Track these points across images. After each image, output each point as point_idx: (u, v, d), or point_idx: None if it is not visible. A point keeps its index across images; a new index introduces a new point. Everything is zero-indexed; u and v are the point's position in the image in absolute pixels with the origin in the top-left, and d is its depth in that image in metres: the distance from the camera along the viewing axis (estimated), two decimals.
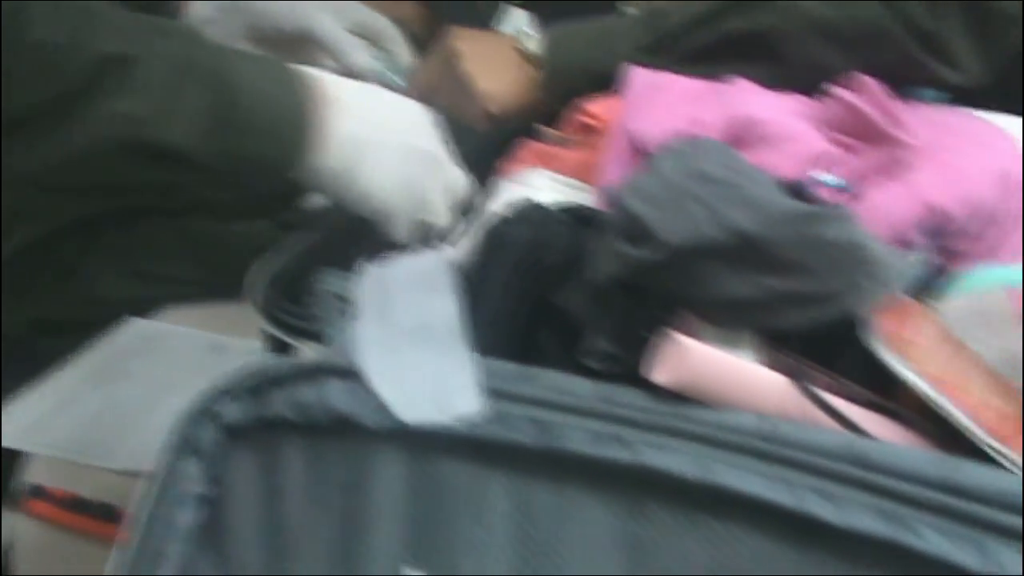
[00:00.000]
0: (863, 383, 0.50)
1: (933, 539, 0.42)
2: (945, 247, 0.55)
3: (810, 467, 0.44)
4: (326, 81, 0.57)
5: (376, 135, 0.56)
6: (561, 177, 0.65)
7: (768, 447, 0.45)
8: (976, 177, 0.55)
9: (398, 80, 0.85)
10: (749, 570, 0.45)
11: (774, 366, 0.49)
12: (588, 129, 0.68)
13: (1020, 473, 0.45)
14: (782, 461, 0.45)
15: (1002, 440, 0.47)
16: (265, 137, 0.54)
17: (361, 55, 0.82)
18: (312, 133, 0.54)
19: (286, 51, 0.81)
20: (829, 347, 0.51)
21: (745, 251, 0.47)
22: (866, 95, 0.59)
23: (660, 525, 0.46)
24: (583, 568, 0.48)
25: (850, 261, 0.48)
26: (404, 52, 0.87)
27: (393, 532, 0.50)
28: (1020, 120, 0.65)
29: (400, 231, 0.59)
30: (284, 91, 0.55)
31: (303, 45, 0.82)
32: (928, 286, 0.53)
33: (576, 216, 0.55)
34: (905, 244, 0.54)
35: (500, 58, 0.81)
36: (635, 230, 0.48)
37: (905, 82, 0.67)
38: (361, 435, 0.50)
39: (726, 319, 0.49)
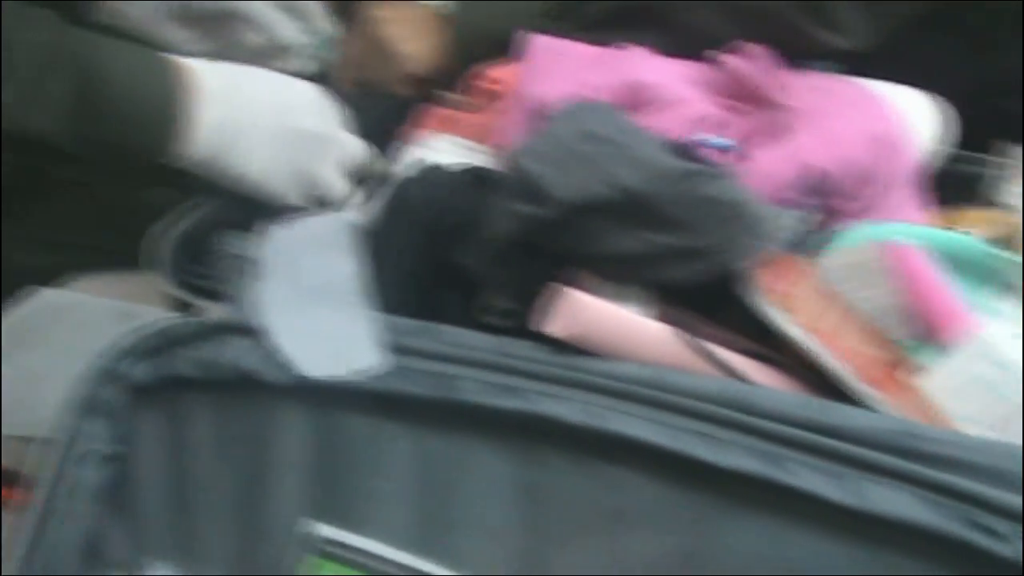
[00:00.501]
0: (747, 334, 0.53)
1: (804, 475, 0.45)
2: (824, 205, 0.58)
3: (693, 412, 0.47)
4: (198, 69, 0.57)
5: (249, 120, 0.57)
6: (463, 141, 0.66)
7: (654, 394, 0.47)
8: (853, 140, 0.58)
9: (324, 51, 0.85)
10: (638, 511, 0.47)
11: (661, 318, 0.51)
12: (490, 94, 0.69)
13: (887, 412, 0.49)
14: (667, 407, 0.47)
15: (872, 384, 0.50)
16: (131, 126, 0.54)
17: (287, 29, 0.82)
18: (179, 122, 0.55)
19: (212, 29, 0.80)
20: (715, 300, 0.53)
21: (632, 208, 0.49)
22: (752, 62, 0.62)
23: (554, 470, 0.49)
24: (482, 514, 0.50)
25: (730, 217, 0.50)
26: (328, 24, 0.87)
27: (296, 485, 0.52)
28: (903, 88, 0.69)
29: (293, 204, 0.60)
30: (152, 80, 0.55)
31: (229, 22, 0.81)
32: (807, 243, 0.56)
33: (476, 177, 0.57)
34: (786, 202, 0.56)
35: (420, 23, 0.81)
36: (529, 189, 0.50)
37: (795, 51, 0.70)
38: (264, 391, 0.51)
39: (616, 273, 0.52)
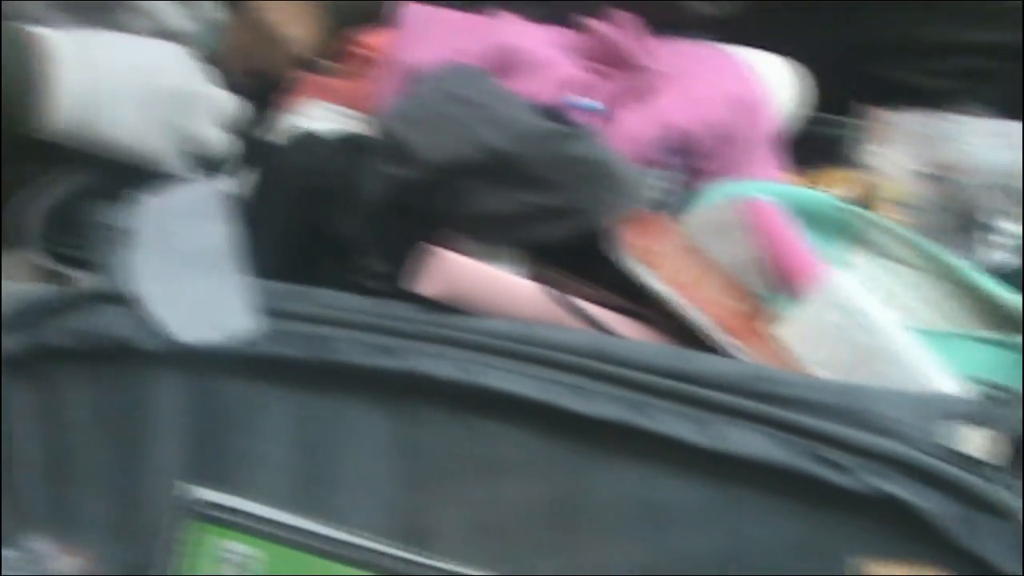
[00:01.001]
0: (614, 291, 0.55)
1: (667, 420, 0.47)
2: (687, 165, 0.60)
3: (561, 364, 0.49)
4: (53, 37, 0.56)
5: (112, 84, 0.56)
6: (338, 108, 0.67)
7: (524, 349, 0.49)
8: (713, 102, 0.61)
9: (212, 39, 0.83)
10: (510, 461, 0.49)
11: (532, 276, 0.53)
12: (365, 61, 0.70)
13: (743, 359, 0.51)
14: (537, 360, 0.49)
15: (731, 333, 0.52)
16: None
17: (173, 16, 0.81)
18: (38, 92, 0.54)
19: (96, 16, 0.78)
20: (584, 258, 0.55)
21: (499, 168, 0.50)
22: (619, 27, 0.64)
23: (430, 426, 0.50)
24: (361, 471, 0.51)
25: (595, 177, 0.52)
26: (215, 10, 0.86)
27: (174, 451, 0.52)
28: (765, 53, 0.72)
29: (169, 168, 0.60)
30: (9, 52, 0.54)
31: (113, 9, 0.79)
32: (671, 202, 0.59)
33: (349, 143, 0.57)
34: (651, 163, 0.59)
35: (301, 5, 0.81)
36: (397, 152, 0.51)
37: (662, 18, 0.72)
38: (139, 359, 0.51)
39: (486, 234, 0.53)
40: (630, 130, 0.58)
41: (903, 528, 0.44)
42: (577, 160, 0.51)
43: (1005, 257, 0.61)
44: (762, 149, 0.64)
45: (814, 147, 0.76)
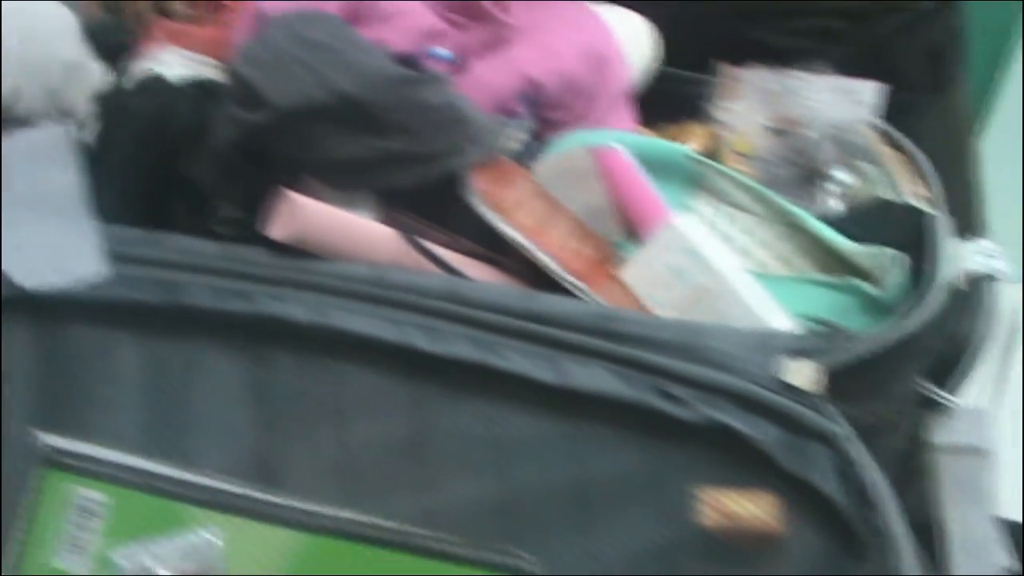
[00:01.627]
0: (468, 236, 0.56)
1: (515, 359, 0.49)
2: (542, 117, 0.61)
3: (413, 306, 0.50)
4: None
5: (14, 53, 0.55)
6: (191, 54, 0.66)
7: (377, 291, 0.50)
8: (569, 54, 0.62)
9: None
10: (362, 402, 0.50)
11: (386, 221, 0.54)
12: (220, 7, 0.69)
13: (592, 301, 0.53)
14: (389, 303, 0.50)
15: (580, 276, 0.54)
16: None
17: None
18: None
19: None
20: (438, 204, 0.56)
21: (350, 113, 0.51)
22: None
23: (283, 370, 0.50)
24: (214, 416, 0.51)
25: (448, 123, 0.53)
26: None
27: (23, 398, 0.51)
28: (621, 8, 0.73)
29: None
30: None
31: None
32: (525, 151, 0.60)
33: (198, 87, 0.57)
34: (507, 113, 0.60)
35: None
36: (245, 95, 0.51)
37: None
38: None
39: (340, 179, 0.53)
40: (485, 80, 0.59)
41: (736, 456, 0.47)
42: (429, 106, 0.52)
43: (838, 205, 0.64)
44: (615, 103, 0.66)
45: (668, 102, 0.78)
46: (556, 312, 0.50)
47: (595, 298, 0.54)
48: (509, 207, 0.55)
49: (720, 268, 0.53)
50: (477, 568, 0.47)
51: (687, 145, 0.74)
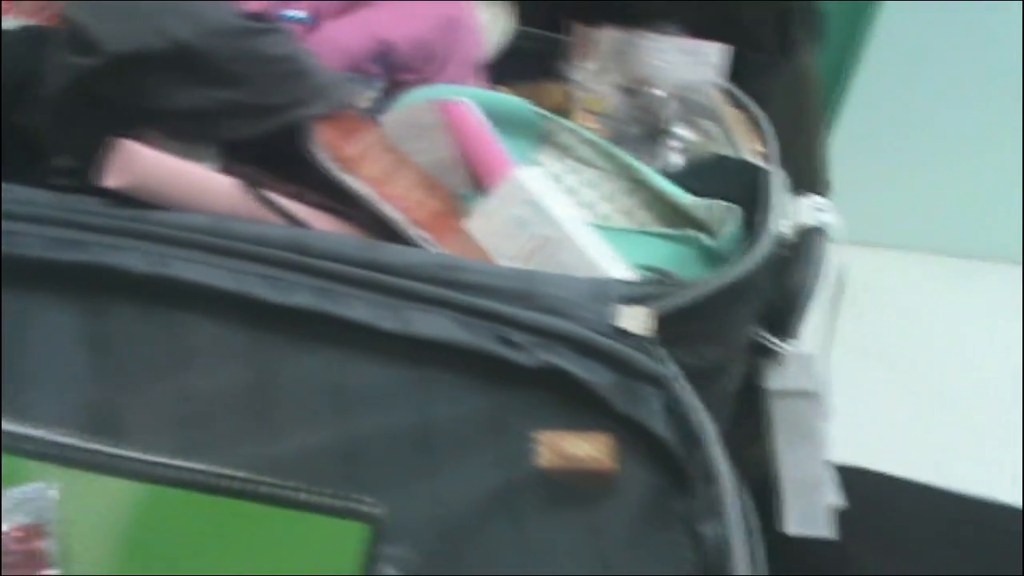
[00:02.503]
0: (314, 188, 0.56)
1: (358, 307, 0.49)
2: (394, 79, 0.62)
3: (254, 256, 0.50)
4: None
5: None
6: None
7: (217, 241, 0.50)
8: (422, 18, 0.62)
9: None
10: (202, 351, 0.50)
11: (228, 172, 0.53)
12: None
13: (434, 251, 0.54)
14: (230, 253, 0.50)
15: (424, 228, 0.55)
16: None
17: None
18: None
19: None
20: (283, 156, 0.56)
21: (188, 62, 0.50)
22: None
23: (121, 320, 0.50)
24: (50, 368, 0.50)
25: (289, 75, 0.53)
26: None
27: None
28: None
29: None
30: None
31: None
32: (374, 106, 0.60)
33: (31, 33, 0.55)
34: (360, 72, 0.60)
35: None
36: (79, 40, 0.49)
37: None
38: None
39: (180, 129, 0.53)
40: (338, 41, 0.59)
41: (573, 399, 0.49)
42: (269, 57, 0.52)
43: (680, 160, 0.66)
44: (467, 68, 0.67)
45: (524, 61, 0.79)
46: (399, 262, 0.50)
47: (439, 248, 0.54)
48: (353, 160, 0.55)
49: (560, 219, 0.54)
50: (320, 514, 0.48)
51: (541, 103, 0.76)
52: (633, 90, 0.75)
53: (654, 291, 0.51)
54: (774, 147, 0.68)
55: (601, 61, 0.77)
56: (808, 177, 0.97)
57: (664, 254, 0.59)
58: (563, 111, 0.74)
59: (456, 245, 0.55)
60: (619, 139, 0.71)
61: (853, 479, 1.02)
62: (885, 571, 0.90)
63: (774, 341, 0.62)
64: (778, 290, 0.62)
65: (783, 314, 0.62)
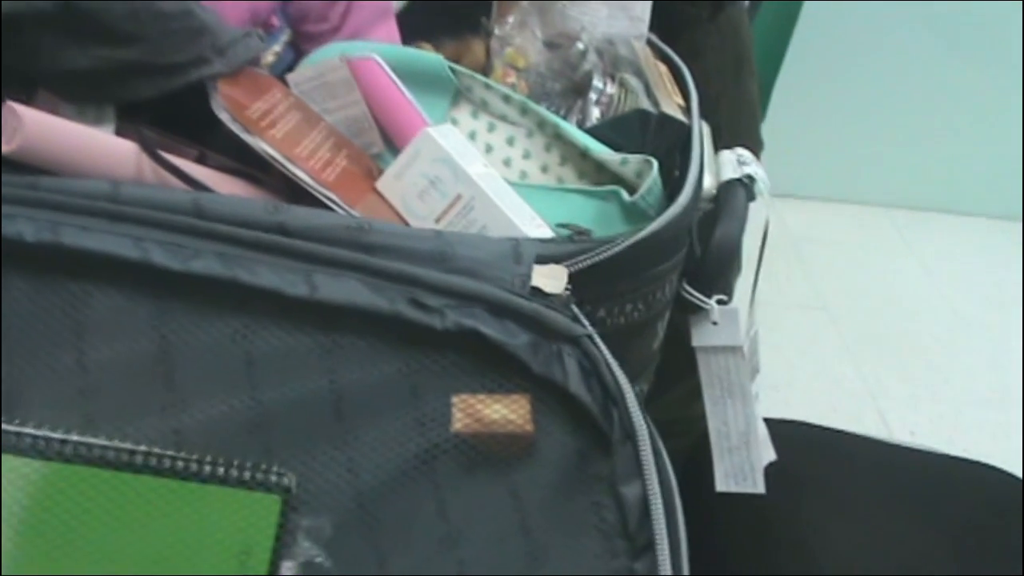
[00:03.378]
0: (226, 152, 0.54)
1: (263, 274, 0.47)
2: (300, 30, 0.60)
3: (155, 222, 0.47)
4: None
5: None
6: None
7: (114, 208, 0.47)
8: None
9: None
10: (108, 324, 0.48)
11: (127, 135, 0.51)
12: None
13: (345, 213, 0.52)
14: (128, 219, 0.47)
15: (334, 189, 0.53)
16: None
17: None
18: None
19: None
20: (193, 118, 0.54)
21: (77, 20, 0.48)
22: None
23: (15, 293, 0.48)
24: None
25: (186, 32, 0.51)
26: None
27: None
28: None
29: None
30: None
31: None
32: (281, 62, 0.58)
33: None
34: (264, 26, 0.58)
35: None
36: None
37: None
38: None
39: (74, 92, 0.50)
40: None
41: (489, 362, 0.48)
42: (163, 14, 0.49)
43: (601, 114, 0.65)
44: (377, 16, 0.65)
45: (447, 17, 0.78)
46: (307, 225, 0.49)
47: (350, 211, 0.53)
48: (259, 119, 0.53)
49: (474, 177, 0.53)
50: (229, 487, 0.46)
51: (463, 59, 0.74)
52: (554, 44, 0.74)
53: (570, 249, 0.50)
54: (695, 101, 0.67)
55: (522, 15, 0.75)
56: (741, 130, 0.96)
57: (583, 210, 0.58)
58: (484, 67, 0.72)
59: (369, 207, 0.54)
60: (540, 94, 0.69)
61: (793, 433, 1.03)
62: (829, 522, 0.91)
63: (699, 296, 0.61)
64: (702, 245, 0.62)
65: (708, 269, 0.61)
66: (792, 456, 0.93)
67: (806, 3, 2.20)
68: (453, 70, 0.60)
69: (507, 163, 0.60)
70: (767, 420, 0.83)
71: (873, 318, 2.11)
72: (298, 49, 0.60)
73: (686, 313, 0.62)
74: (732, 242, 0.61)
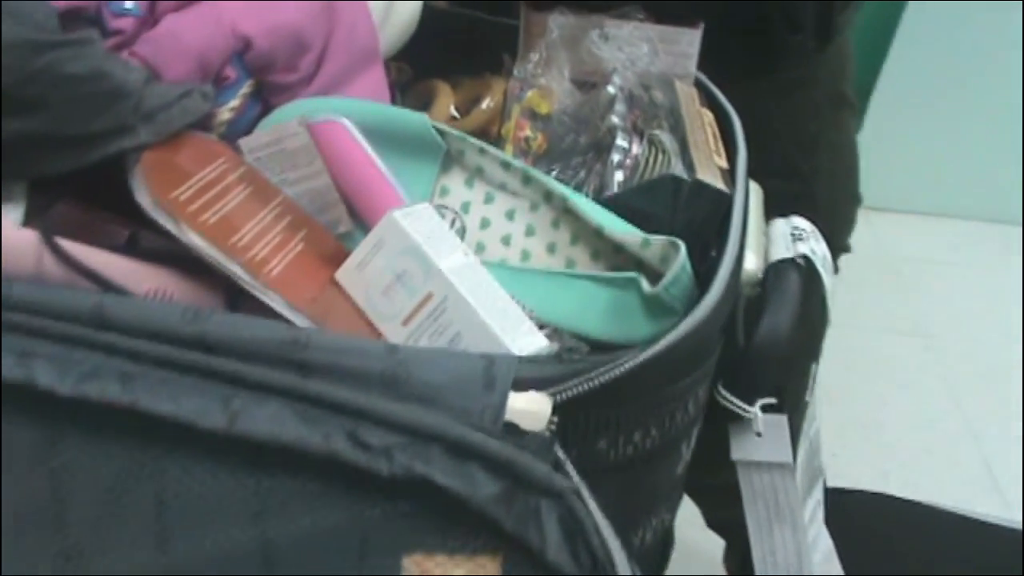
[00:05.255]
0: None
1: (175, 399, 0.38)
2: (264, 80, 0.50)
3: (42, 332, 0.39)
4: None
5: None
6: None
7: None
8: (285, 5, 0.51)
9: None
10: None
11: (30, 221, 0.43)
12: None
13: (280, 319, 0.43)
14: (15, 329, 0.39)
15: (275, 285, 0.44)
16: None
17: None
18: None
19: None
20: (108, 188, 0.45)
21: None
22: None
23: None
24: None
25: (99, 96, 0.42)
26: None
27: None
28: None
29: None
30: None
31: None
32: (236, 121, 0.49)
33: None
34: (216, 77, 0.49)
35: None
36: None
37: None
38: None
39: None
40: (182, 37, 0.47)
41: (448, 515, 0.38)
42: (70, 77, 0.41)
43: (623, 177, 0.54)
44: (358, 61, 0.55)
45: (465, 49, 0.68)
46: (232, 338, 0.39)
47: (295, 313, 0.43)
48: (188, 202, 0.44)
49: (447, 274, 0.43)
50: None
51: (484, 101, 0.65)
52: (585, 83, 0.63)
53: (560, 371, 0.40)
54: (743, 159, 0.56)
55: (549, 51, 0.65)
56: (839, 179, 0.84)
57: (594, 300, 0.48)
58: (494, 111, 0.63)
59: (324, 303, 0.44)
60: (560, 149, 0.59)
61: (870, 508, 0.90)
62: None
63: (738, 403, 0.50)
64: (744, 338, 0.51)
65: (750, 369, 0.51)
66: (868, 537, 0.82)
67: (910, 3, 2.04)
68: (441, 132, 0.50)
69: (506, 241, 0.50)
70: (837, 490, 0.72)
71: (979, 348, 1.92)
72: (266, 102, 0.51)
73: (721, 422, 0.51)
74: (780, 337, 0.50)
